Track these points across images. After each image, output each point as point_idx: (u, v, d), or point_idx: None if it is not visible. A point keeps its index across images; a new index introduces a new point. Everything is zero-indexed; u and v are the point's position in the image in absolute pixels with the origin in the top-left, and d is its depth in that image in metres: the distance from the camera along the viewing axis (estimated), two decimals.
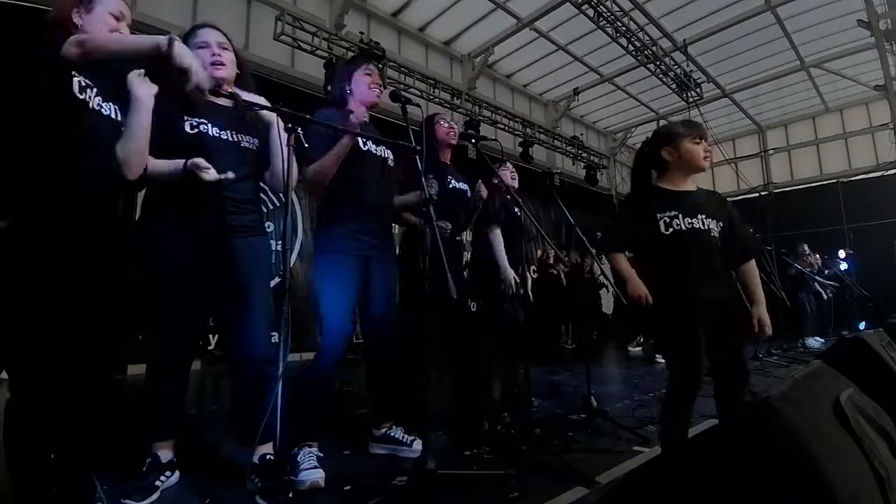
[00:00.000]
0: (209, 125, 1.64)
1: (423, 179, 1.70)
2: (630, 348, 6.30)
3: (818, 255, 7.17)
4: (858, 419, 0.75)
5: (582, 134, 9.90)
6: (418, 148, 1.72)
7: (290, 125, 1.45)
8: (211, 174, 1.52)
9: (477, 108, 7.60)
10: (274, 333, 1.46)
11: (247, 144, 1.72)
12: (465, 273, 2.49)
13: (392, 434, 2.03)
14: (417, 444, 1.97)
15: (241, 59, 1.75)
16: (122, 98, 1.39)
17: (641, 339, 6.17)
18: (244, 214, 1.70)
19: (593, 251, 2.57)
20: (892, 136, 9.00)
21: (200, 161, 1.52)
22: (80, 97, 1.30)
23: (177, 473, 1.64)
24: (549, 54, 8.15)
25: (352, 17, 6.37)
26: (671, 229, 1.68)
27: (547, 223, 8.79)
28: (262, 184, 1.85)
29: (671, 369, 1.71)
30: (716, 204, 1.79)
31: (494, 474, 1.78)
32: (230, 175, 1.55)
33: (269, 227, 4.94)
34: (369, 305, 2.01)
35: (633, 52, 7.13)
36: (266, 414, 1.33)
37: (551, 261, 5.69)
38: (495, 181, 2.58)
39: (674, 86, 8.08)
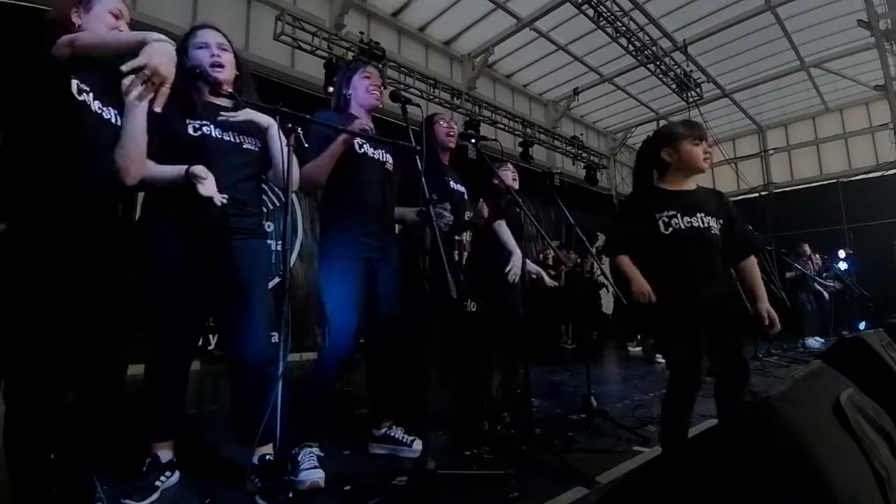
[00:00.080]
0: (212, 127, 1.64)
1: (423, 179, 1.69)
2: (630, 348, 6.31)
3: (818, 255, 7.17)
4: (858, 419, 0.75)
5: (582, 134, 9.90)
6: (418, 148, 1.72)
7: (290, 125, 1.45)
8: (207, 187, 1.50)
9: (477, 108, 7.60)
10: (274, 333, 1.46)
11: (249, 146, 1.72)
12: (461, 274, 2.48)
13: (392, 434, 2.03)
14: (417, 444, 1.97)
15: (240, 60, 1.75)
16: (121, 102, 1.39)
17: (640, 338, 6.16)
18: (245, 216, 1.69)
19: (593, 251, 2.57)
20: (892, 136, 9.00)
21: (200, 170, 1.50)
22: (80, 98, 1.30)
23: (177, 473, 1.64)
24: (549, 54, 8.15)
25: (352, 17, 6.37)
26: (670, 229, 1.68)
27: (547, 223, 8.80)
28: (263, 184, 1.85)
29: (671, 369, 1.71)
30: (715, 201, 1.79)
31: (494, 474, 1.78)
32: (224, 199, 1.53)
33: (269, 227, 4.94)
34: (371, 307, 2.00)
35: (633, 52, 7.13)
36: (266, 414, 1.33)
37: (550, 262, 5.69)
38: (496, 182, 2.58)
39: (674, 86, 8.08)
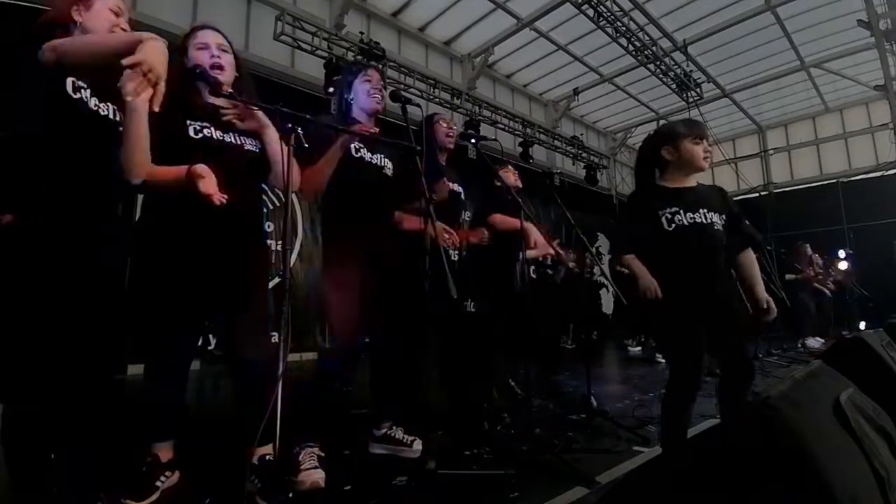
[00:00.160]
0: (212, 129, 1.63)
1: (423, 179, 1.69)
2: (630, 348, 6.30)
3: (817, 255, 7.16)
4: (858, 419, 0.75)
5: (582, 134, 9.89)
6: (419, 148, 1.72)
7: (289, 125, 1.44)
8: (207, 184, 1.48)
9: (477, 108, 7.60)
10: (273, 333, 1.46)
11: (250, 147, 1.71)
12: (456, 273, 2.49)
13: (392, 434, 2.03)
14: (417, 445, 1.97)
15: (240, 61, 1.75)
16: (119, 98, 1.39)
17: (642, 339, 6.14)
18: (245, 215, 1.69)
19: (593, 251, 2.57)
20: (892, 136, 8.99)
21: (201, 169, 1.49)
22: (75, 97, 1.29)
23: (177, 473, 1.63)
24: (549, 54, 8.15)
25: (352, 17, 6.37)
26: (673, 225, 1.69)
27: (547, 223, 8.79)
28: (263, 184, 1.85)
29: (671, 368, 1.71)
30: (717, 197, 1.80)
31: (494, 474, 1.78)
32: (223, 198, 1.52)
33: (269, 227, 4.94)
34: (374, 308, 2.00)
35: (633, 52, 7.13)
36: (266, 414, 1.33)
37: (549, 261, 5.67)
38: (498, 183, 2.57)
39: (674, 86, 8.08)
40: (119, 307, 1.43)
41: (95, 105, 1.35)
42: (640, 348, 6.16)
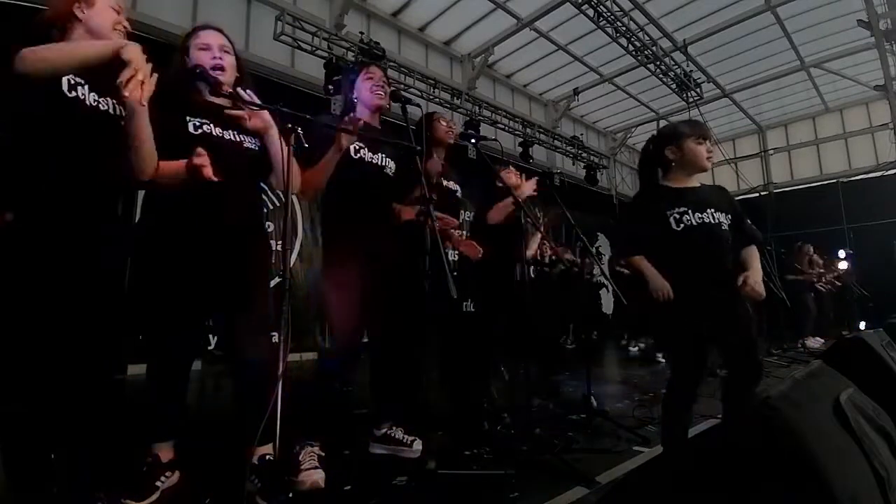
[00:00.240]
0: (211, 126, 1.63)
1: (423, 178, 1.69)
2: (630, 348, 6.29)
3: (817, 255, 7.16)
4: (858, 419, 0.75)
5: (582, 134, 9.89)
6: (418, 148, 1.72)
7: (289, 125, 1.44)
8: (203, 159, 1.47)
9: (477, 108, 7.60)
10: (274, 333, 1.46)
11: (249, 144, 1.71)
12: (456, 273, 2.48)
13: (392, 434, 2.03)
14: (417, 445, 1.97)
15: (241, 62, 1.74)
16: (117, 92, 1.39)
17: (640, 344, 6.09)
18: (245, 214, 1.69)
19: (593, 251, 2.57)
20: (892, 136, 8.99)
21: (199, 150, 1.48)
22: (70, 95, 1.29)
23: (177, 473, 1.63)
24: (549, 54, 8.14)
25: (352, 17, 6.37)
26: (682, 225, 1.70)
27: (546, 220, 8.77)
28: (263, 184, 1.85)
29: (672, 367, 1.71)
30: (721, 197, 1.82)
31: (494, 474, 1.78)
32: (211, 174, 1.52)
33: (269, 227, 4.94)
34: (374, 308, 2.00)
35: (633, 52, 7.13)
36: (266, 414, 1.33)
37: (547, 260, 5.68)
38: (499, 184, 2.57)
39: (674, 86, 8.07)
40: (119, 307, 1.43)
41: (95, 101, 1.35)
42: (637, 348, 6.14)
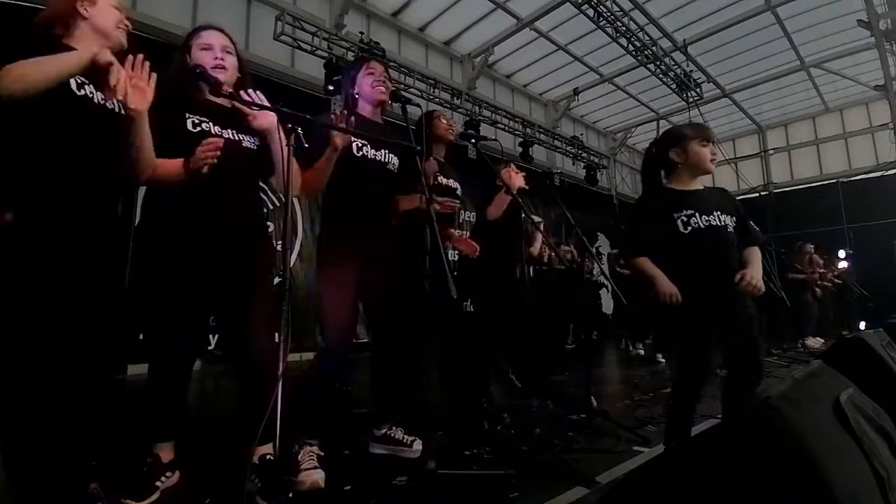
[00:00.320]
0: (210, 124, 1.63)
1: (422, 178, 1.69)
2: (630, 350, 6.24)
3: (817, 255, 7.17)
4: (858, 419, 0.75)
5: (582, 134, 9.89)
6: (418, 148, 1.72)
7: (289, 125, 1.44)
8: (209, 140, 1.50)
9: (477, 108, 7.60)
10: (275, 333, 1.45)
11: (248, 144, 1.71)
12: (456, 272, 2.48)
13: (392, 434, 2.03)
14: (417, 445, 1.97)
15: (242, 62, 1.74)
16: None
17: (640, 347, 6.02)
18: (245, 213, 1.69)
19: (592, 251, 2.57)
20: (892, 136, 8.99)
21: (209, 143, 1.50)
22: (80, 94, 1.29)
23: (177, 473, 1.63)
24: (549, 54, 8.15)
25: (352, 17, 6.37)
26: (689, 228, 1.70)
27: (547, 223, 8.78)
28: (262, 184, 1.85)
29: (678, 367, 1.71)
30: (725, 199, 1.84)
31: (494, 474, 1.78)
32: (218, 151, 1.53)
33: (269, 227, 4.94)
34: (374, 308, 2.00)
35: (633, 52, 7.13)
36: (266, 414, 1.33)
37: (545, 259, 5.68)
38: (498, 183, 2.57)
39: (674, 86, 8.07)
40: (119, 306, 1.43)
41: (102, 99, 1.35)
42: (637, 354, 6.06)
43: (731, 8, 7.12)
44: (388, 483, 1.69)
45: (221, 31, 1.71)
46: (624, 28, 6.66)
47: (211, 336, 4.64)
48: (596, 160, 9.92)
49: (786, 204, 10.84)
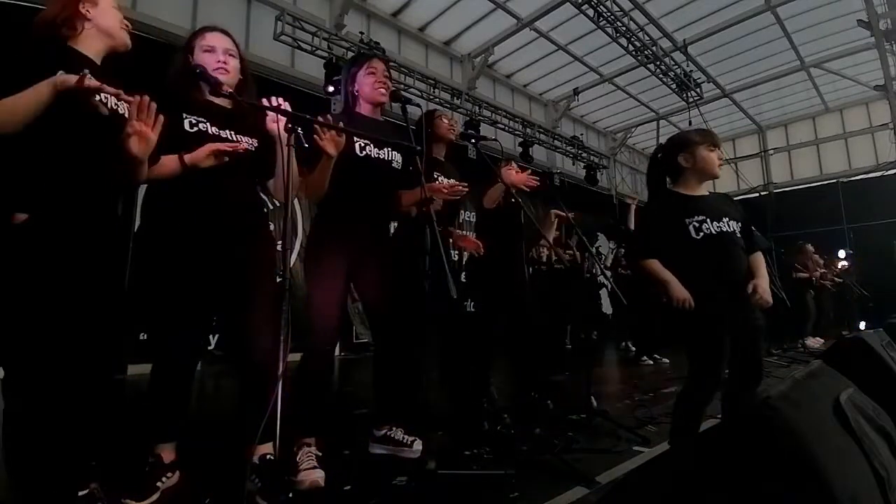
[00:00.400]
0: (208, 124, 1.63)
1: (422, 178, 1.69)
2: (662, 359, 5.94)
3: (817, 255, 7.17)
4: (858, 419, 0.75)
5: (582, 134, 9.89)
6: (419, 148, 1.72)
7: (289, 125, 1.44)
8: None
9: (477, 108, 7.60)
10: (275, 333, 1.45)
11: (247, 145, 1.71)
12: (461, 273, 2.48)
13: (392, 434, 2.03)
14: (418, 445, 1.97)
15: (245, 65, 1.74)
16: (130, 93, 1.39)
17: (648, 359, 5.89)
18: (246, 213, 1.69)
19: (592, 251, 2.57)
20: (892, 136, 9.00)
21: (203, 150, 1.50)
22: (94, 98, 1.28)
23: (177, 473, 1.63)
24: (549, 54, 8.15)
25: (352, 17, 6.37)
26: (701, 233, 1.72)
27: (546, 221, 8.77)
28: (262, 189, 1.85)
29: (695, 371, 1.72)
30: (731, 205, 1.86)
31: (494, 474, 1.77)
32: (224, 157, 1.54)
33: (270, 227, 4.94)
34: (374, 309, 2.00)
35: (633, 52, 7.13)
36: (266, 414, 1.33)
37: (544, 259, 5.68)
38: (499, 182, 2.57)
39: (674, 86, 8.08)
40: (119, 307, 1.43)
41: (115, 104, 1.35)
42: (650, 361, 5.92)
43: (731, 8, 7.12)
44: (388, 483, 1.69)
45: (225, 33, 1.71)
46: (624, 28, 6.67)
47: (211, 336, 4.65)
48: (596, 160, 9.92)
49: (786, 204, 10.85)
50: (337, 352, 5.68)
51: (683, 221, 1.74)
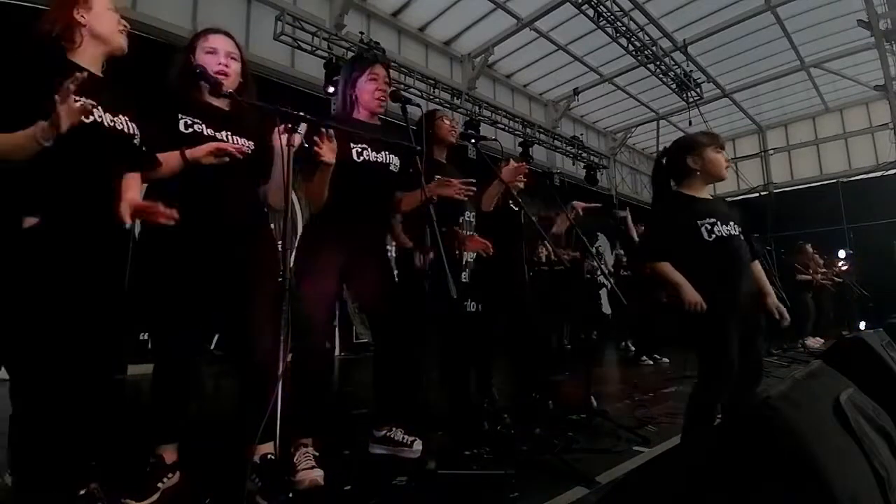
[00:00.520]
0: (203, 126, 1.62)
1: (423, 179, 1.69)
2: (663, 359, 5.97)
3: (817, 255, 7.17)
4: (858, 419, 0.75)
5: (582, 134, 9.89)
6: (419, 148, 1.72)
7: (289, 125, 1.44)
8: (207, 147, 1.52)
9: (477, 108, 7.60)
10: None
11: (245, 146, 1.70)
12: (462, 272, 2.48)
13: (392, 434, 2.03)
14: (417, 445, 1.97)
15: (246, 67, 1.73)
16: (130, 107, 1.40)
17: (647, 359, 5.90)
18: (246, 213, 1.69)
19: (593, 251, 2.58)
20: (892, 136, 9.00)
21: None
22: (88, 121, 1.26)
23: (177, 473, 1.63)
24: (549, 54, 8.15)
25: (352, 17, 6.37)
26: (714, 236, 1.73)
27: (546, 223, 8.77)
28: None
29: (707, 371, 1.72)
30: (731, 210, 1.87)
31: (494, 474, 1.77)
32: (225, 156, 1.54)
33: (271, 227, 4.94)
34: (374, 309, 1.99)
35: (633, 52, 7.13)
36: (267, 413, 1.33)
37: (543, 259, 5.68)
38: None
39: (674, 86, 8.08)
40: (119, 307, 1.43)
41: (111, 121, 1.34)
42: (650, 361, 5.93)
43: (731, 8, 7.12)
44: (388, 483, 1.69)
45: (228, 35, 1.71)
46: (624, 28, 6.67)
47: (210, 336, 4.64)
48: (596, 160, 9.92)
49: (786, 204, 10.84)
50: (337, 352, 5.71)
51: (695, 223, 1.74)
